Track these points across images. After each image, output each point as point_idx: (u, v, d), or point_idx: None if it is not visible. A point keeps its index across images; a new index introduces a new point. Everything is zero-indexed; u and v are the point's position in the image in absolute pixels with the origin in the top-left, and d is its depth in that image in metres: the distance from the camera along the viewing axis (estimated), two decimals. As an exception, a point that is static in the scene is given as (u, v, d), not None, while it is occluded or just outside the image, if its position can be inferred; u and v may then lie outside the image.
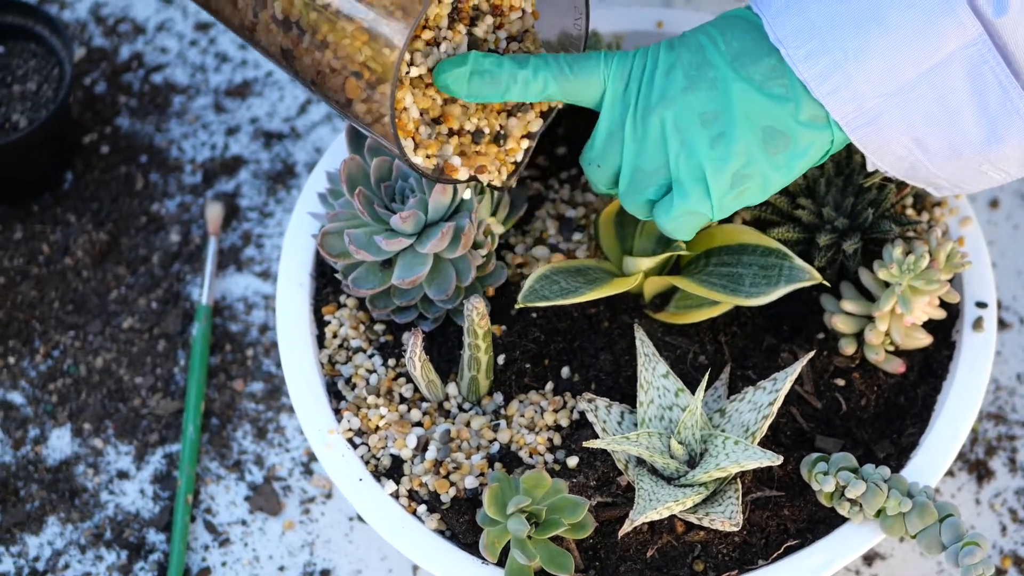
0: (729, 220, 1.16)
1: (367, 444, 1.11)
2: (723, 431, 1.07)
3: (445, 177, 1.06)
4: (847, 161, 1.14)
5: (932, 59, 0.95)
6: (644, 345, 1.09)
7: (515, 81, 1.01)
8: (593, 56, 1.02)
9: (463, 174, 1.06)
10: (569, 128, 1.23)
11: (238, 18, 1.05)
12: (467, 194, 1.09)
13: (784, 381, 1.07)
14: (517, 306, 1.09)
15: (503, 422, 1.11)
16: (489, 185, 1.08)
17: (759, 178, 1.01)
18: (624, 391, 1.12)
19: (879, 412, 1.12)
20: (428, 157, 1.05)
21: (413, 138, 1.04)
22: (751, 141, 0.99)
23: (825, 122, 0.99)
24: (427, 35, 1.02)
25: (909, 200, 1.17)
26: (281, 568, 1.21)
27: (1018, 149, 0.98)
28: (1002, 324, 1.28)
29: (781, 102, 0.99)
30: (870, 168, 1.03)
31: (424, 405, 1.12)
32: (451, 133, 1.06)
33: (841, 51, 0.96)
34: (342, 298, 1.17)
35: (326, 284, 1.17)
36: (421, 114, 1.04)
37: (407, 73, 1.02)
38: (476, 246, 1.13)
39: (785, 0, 0.98)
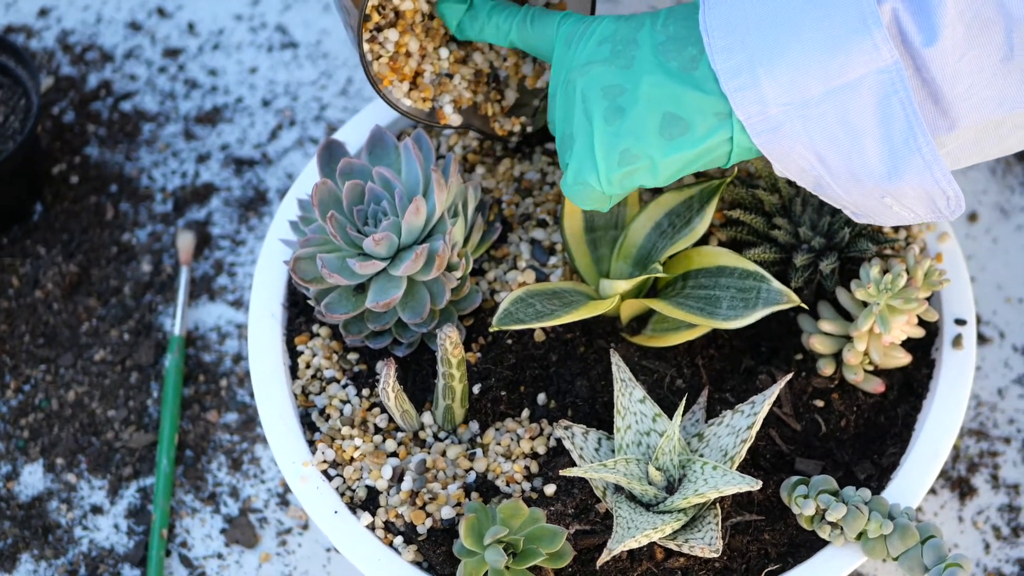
0: (705, 241, 1.15)
1: (342, 476, 1.10)
2: (701, 456, 1.06)
3: (436, 123, 1.13)
4: (822, 180, 1.13)
5: (840, 78, 0.93)
6: (620, 370, 1.08)
7: (489, 21, 1.08)
8: (553, 15, 1.06)
9: (455, 120, 1.13)
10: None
11: None
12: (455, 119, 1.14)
13: (762, 404, 1.06)
14: (492, 329, 1.08)
15: (479, 451, 1.10)
16: (489, 133, 1.15)
17: (646, 160, 0.99)
18: (601, 417, 1.11)
19: (859, 433, 1.11)
20: (425, 100, 1.11)
21: (414, 81, 1.11)
22: (647, 123, 0.98)
23: (727, 118, 0.97)
24: None
25: (886, 217, 1.17)
26: (259, 601, 1.19)
27: (917, 189, 0.95)
28: (982, 339, 1.27)
29: (688, 88, 0.97)
30: (778, 174, 1.01)
31: (399, 435, 1.11)
32: (470, 81, 1.13)
33: (757, 51, 0.94)
34: (315, 327, 1.15)
35: (298, 314, 1.16)
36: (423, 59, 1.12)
37: (420, 21, 1.10)
38: (450, 268, 1.12)
39: None
